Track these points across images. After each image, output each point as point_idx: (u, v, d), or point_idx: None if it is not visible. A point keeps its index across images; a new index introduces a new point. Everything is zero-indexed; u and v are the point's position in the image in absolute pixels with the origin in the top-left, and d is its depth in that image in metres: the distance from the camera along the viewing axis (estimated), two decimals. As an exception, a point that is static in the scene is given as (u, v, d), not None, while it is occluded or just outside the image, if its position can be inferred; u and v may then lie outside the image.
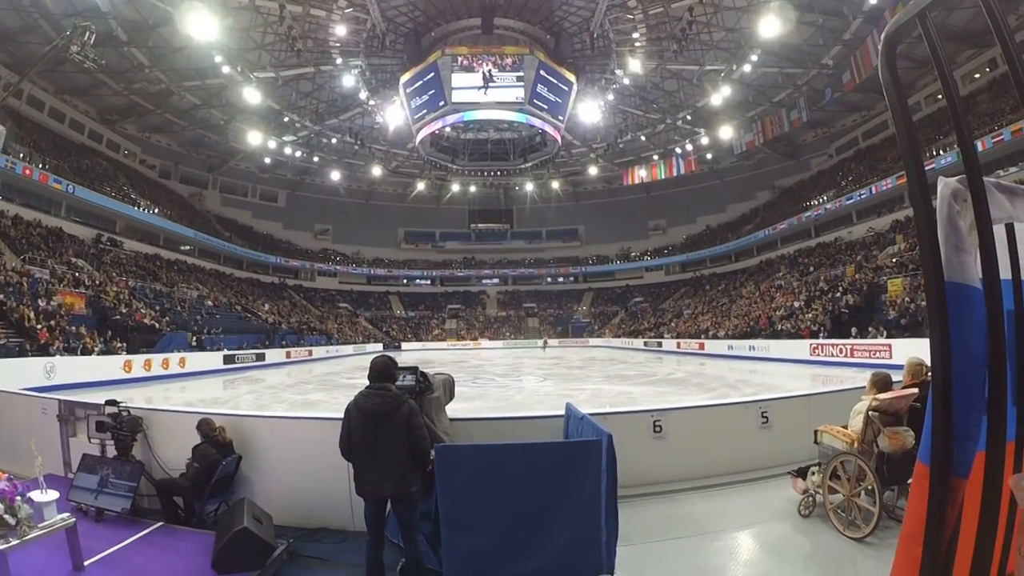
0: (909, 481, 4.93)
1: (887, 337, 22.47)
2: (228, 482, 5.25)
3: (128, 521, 4.79)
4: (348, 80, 35.02)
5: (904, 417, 4.94)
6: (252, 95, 33.24)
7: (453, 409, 5.29)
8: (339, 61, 33.94)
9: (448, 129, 38.95)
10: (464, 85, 33.46)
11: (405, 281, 66.06)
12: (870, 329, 24.15)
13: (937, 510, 1.47)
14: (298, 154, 45.70)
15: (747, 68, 32.91)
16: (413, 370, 4.74)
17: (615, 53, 34.40)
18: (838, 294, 30.55)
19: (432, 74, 33.20)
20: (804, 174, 51.76)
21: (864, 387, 5.51)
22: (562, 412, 5.56)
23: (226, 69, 30.84)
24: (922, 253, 1.54)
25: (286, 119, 40.11)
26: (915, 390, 5.06)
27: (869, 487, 4.62)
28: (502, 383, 21.71)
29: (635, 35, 32.90)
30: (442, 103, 34.05)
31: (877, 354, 21.30)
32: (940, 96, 37.24)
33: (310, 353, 38.55)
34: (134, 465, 5.15)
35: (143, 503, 5.16)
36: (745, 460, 6.48)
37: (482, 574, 3.53)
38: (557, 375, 24.50)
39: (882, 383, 5.23)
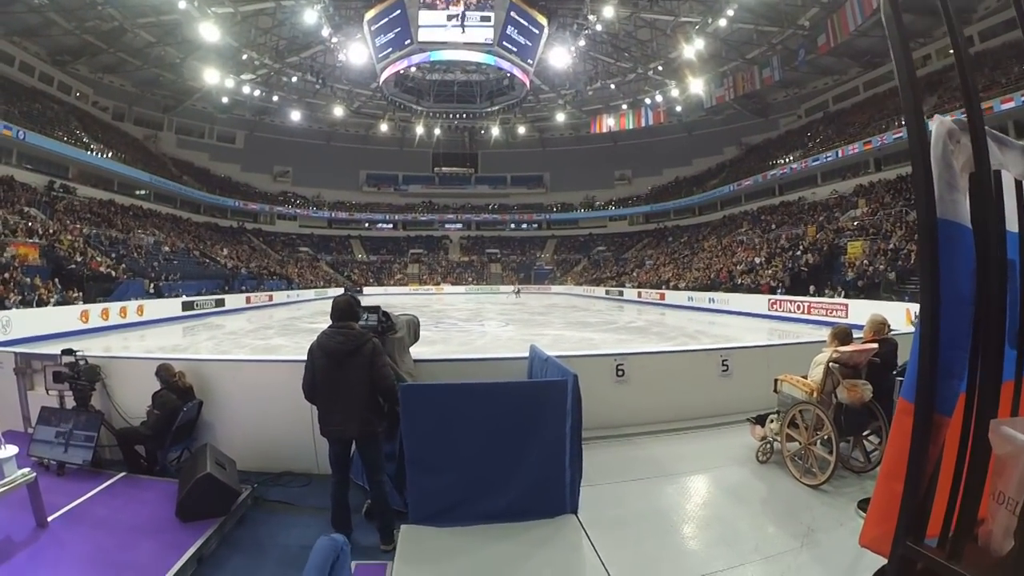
0: (865, 433, 5.14)
1: (845, 297, 23.03)
2: (190, 429, 5.15)
3: (90, 473, 4.68)
4: (310, 16, 33.27)
5: (863, 371, 5.07)
6: (209, 31, 31.64)
7: (416, 352, 5.23)
8: (300, -4, 32.43)
9: (413, 69, 38.00)
10: (431, 23, 32.35)
11: (367, 225, 64.86)
12: (827, 290, 24.75)
13: (919, 446, 1.46)
14: (257, 93, 43.99)
15: (723, 22, 32.52)
16: (375, 309, 4.69)
17: (589, -2, 33.64)
18: (798, 252, 31.24)
19: (398, 11, 31.97)
20: (772, 133, 52.05)
21: (824, 341, 5.61)
22: (526, 354, 5.57)
23: (182, 4, 29.26)
24: (915, 187, 1.52)
25: (245, 57, 38.26)
26: (875, 345, 5.20)
27: (826, 436, 4.72)
28: (465, 328, 21.81)
29: (611, -23, 32.08)
30: (408, 42, 32.96)
31: (834, 312, 21.85)
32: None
33: (271, 298, 38.07)
34: (93, 415, 5.00)
35: (104, 454, 5.04)
36: (705, 406, 6.63)
37: (447, 513, 3.51)
38: (519, 321, 24.70)
39: (843, 336, 5.34)
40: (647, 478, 4.90)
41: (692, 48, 34.35)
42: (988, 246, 1.48)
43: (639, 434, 6.03)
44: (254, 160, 57.56)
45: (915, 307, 16.64)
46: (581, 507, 3.75)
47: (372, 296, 47.76)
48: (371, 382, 3.82)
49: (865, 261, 25.85)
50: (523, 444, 3.57)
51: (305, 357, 3.97)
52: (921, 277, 1.49)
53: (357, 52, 37.16)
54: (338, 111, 48.94)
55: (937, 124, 1.58)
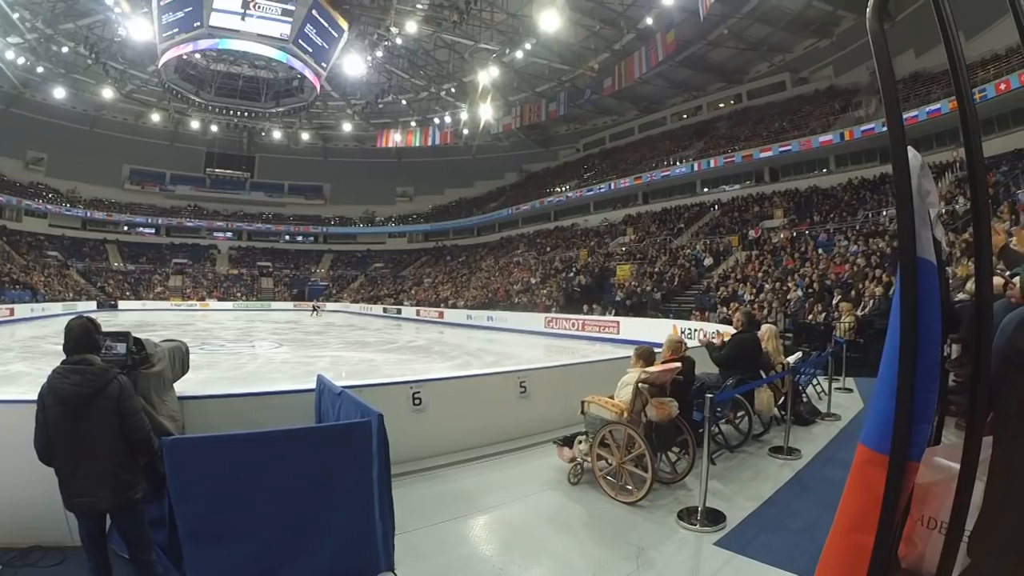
0: (675, 449, 5.31)
1: (615, 315, 24.75)
2: None
3: None
4: None
5: (668, 388, 5.25)
6: None
7: (180, 385, 4.29)
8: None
9: (198, 55, 34.52)
10: (225, 8, 29.35)
11: (126, 228, 57.05)
12: (595, 306, 26.53)
13: (894, 496, 1.37)
14: (21, 61, 37.05)
15: (519, 55, 33.95)
16: (124, 336, 3.60)
17: (395, 10, 33.14)
18: (572, 274, 33.44)
19: (194, -12, 28.78)
20: (551, 162, 55.83)
21: (623, 359, 5.78)
22: (312, 385, 4.96)
23: None
24: (899, 225, 1.41)
25: (16, 16, 32.13)
26: (679, 364, 5.42)
27: (639, 454, 4.78)
28: (233, 349, 19.86)
29: (420, -4, 32.08)
30: (197, 24, 29.59)
31: (606, 329, 23.40)
32: (686, 115, 42.80)
33: (12, 312, 31.65)
34: None
35: None
36: (507, 430, 6.54)
37: (241, 592, 2.80)
38: (294, 341, 23.22)
39: (647, 356, 5.48)
40: (463, 516, 4.55)
41: (487, 75, 35.28)
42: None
43: (444, 466, 5.71)
44: (6, 142, 47.41)
45: (681, 323, 18.52)
46: (398, 562, 3.32)
47: (129, 312, 42.43)
48: (121, 434, 2.94)
49: (633, 282, 28.28)
50: (324, 500, 2.97)
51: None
52: (903, 320, 1.39)
53: (140, 28, 32.61)
54: (108, 93, 42.41)
55: (912, 156, 1.45)
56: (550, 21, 28.70)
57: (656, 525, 4.30)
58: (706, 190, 36.67)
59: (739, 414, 6.74)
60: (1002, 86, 21.04)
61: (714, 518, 4.34)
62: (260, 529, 2.86)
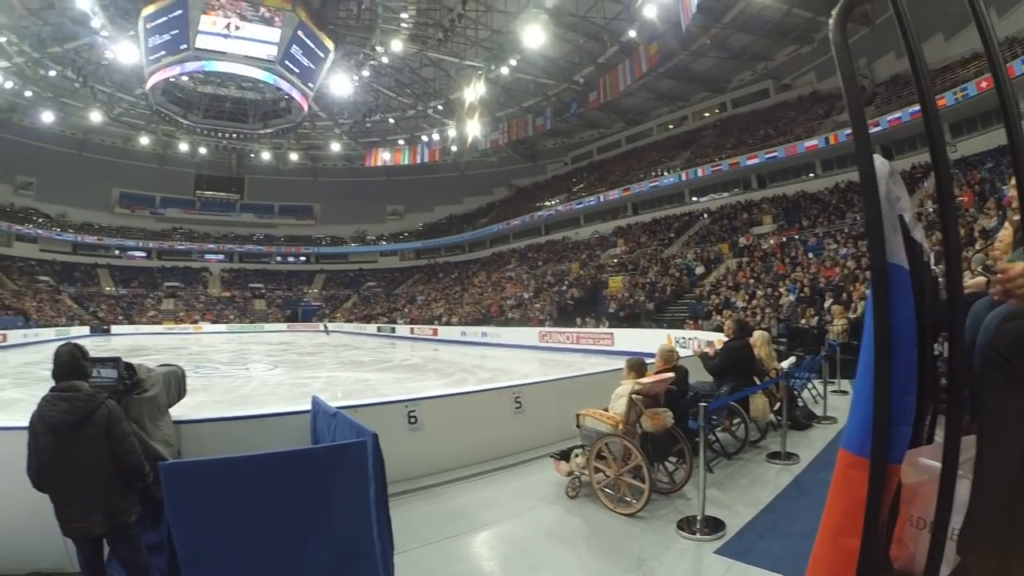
0: (672, 459, 5.32)
1: (609, 327, 24.77)
2: None
3: None
4: (83, 2, 28.71)
5: (662, 398, 5.28)
6: None
7: (176, 409, 4.29)
8: (78, -24, 27.91)
9: (185, 78, 34.51)
10: (211, 30, 29.55)
11: (117, 252, 56.67)
12: (589, 319, 26.56)
13: (876, 499, 1.39)
14: (9, 85, 36.91)
15: (504, 71, 34.13)
16: (114, 362, 3.61)
17: (380, 29, 33.39)
18: (564, 287, 33.42)
19: (179, 11, 28.63)
20: (540, 177, 56.07)
21: (614, 371, 5.79)
22: (307, 407, 4.95)
23: None
24: (868, 232, 1.45)
25: (3, 39, 32.20)
26: (672, 375, 5.47)
27: (636, 465, 4.79)
28: (228, 372, 19.73)
29: (404, 15, 32.22)
30: (184, 46, 29.73)
31: (601, 341, 23.40)
32: (672, 126, 42.95)
33: (4, 338, 31.45)
34: None
35: None
36: (503, 446, 6.53)
37: (239, 616, 2.79)
38: (288, 362, 23.09)
39: (639, 367, 5.51)
40: (462, 534, 4.54)
41: (473, 91, 35.46)
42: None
43: (441, 484, 5.68)
44: None
45: (676, 332, 18.54)
46: None
47: (121, 336, 42.09)
48: (111, 460, 2.97)
49: (625, 293, 28.32)
50: (321, 521, 2.95)
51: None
52: (876, 325, 1.42)
53: (127, 51, 32.70)
54: (96, 117, 42.21)
55: (879, 164, 1.48)
56: (534, 37, 28.93)
57: (656, 535, 4.31)
58: (695, 199, 36.81)
59: (735, 421, 6.77)
60: (983, 84, 21.04)
61: (714, 526, 4.35)
62: (259, 551, 2.85)
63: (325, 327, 50.34)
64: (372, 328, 46.04)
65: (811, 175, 30.48)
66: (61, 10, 31.38)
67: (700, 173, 34.28)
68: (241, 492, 2.84)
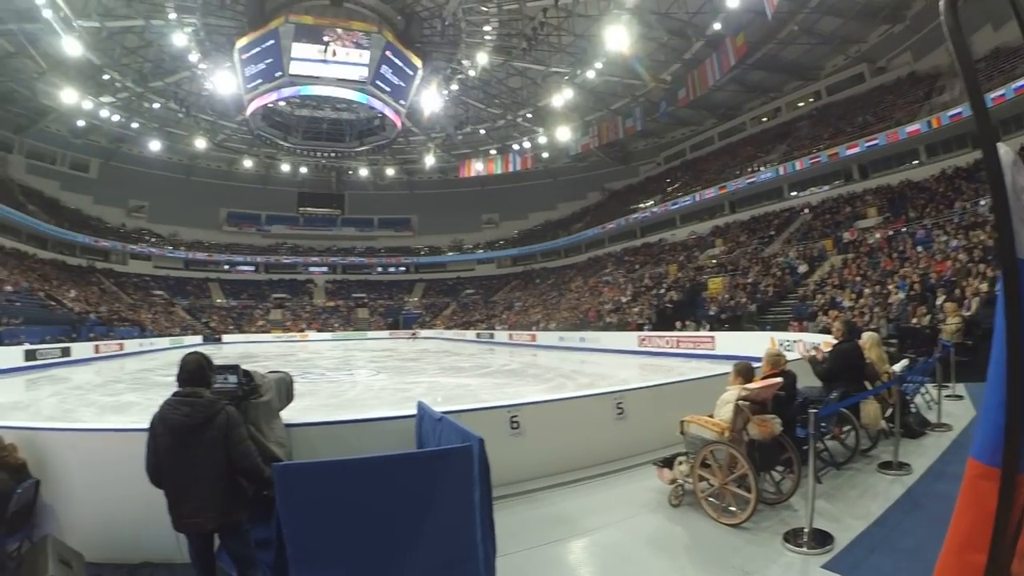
0: (779, 468, 5.12)
1: (710, 330, 24.09)
2: (27, 513, 4.13)
3: None
4: (179, 39, 31.12)
5: (769, 405, 5.06)
6: (72, 46, 28.68)
7: (285, 411, 4.53)
8: (172, 17, 30.21)
9: (282, 103, 36.45)
10: (304, 57, 31.30)
11: (227, 267, 60.68)
12: (688, 322, 25.92)
13: (1005, 512, 1.31)
14: (116, 118, 40.39)
15: (590, 74, 33.93)
16: (234, 369, 3.88)
17: (464, 44, 34.13)
18: (662, 290, 32.73)
19: (272, 41, 30.69)
20: (633, 179, 55.26)
21: (721, 374, 5.64)
22: (412, 412, 5.07)
23: (47, 13, 26.30)
24: (998, 225, 1.34)
25: (107, 77, 35.22)
26: (780, 380, 5.24)
27: (742, 474, 4.63)
28: (333, 378, 20.61)
29: (487, 28, 32.74)
30: (279, 74, 31.65)
31: (702, 345, 22.80)
32: (766, 119, 41.49)
33: (121, 347, 34.04)
34: None
35: None
36: (604, 452, 6.44)
37: (344, 613, 2.90)
38: (391, 368, 23.84)
39: (747, 372, 5.36)
40: (562, 539, 4.54)
41: (561, 98, 35.60)
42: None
43: (541, 489, 5.68)
44: (108, 192, 52.27)
45: (779, 335, 17.83)
46: None
47: (232, 345, 44.94)
48: (227, 463, 3.15)
49: (726, 295, 27.47)
50: (426, 523, 3.02)
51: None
52: (1009, 327, 1.31)
53: (225, 81, 35.28)
54: (200, 143, 45.81)
55: (1003, 153, 1.38)
56: (617, 38, 28.59)
57: (760, 548, 4.16)
58: (794, 194, 35.20)
59: (845, 429, 6.41)
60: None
61: (821, 539, 4.14)
62: (364, 551, 2.95)
63: (414, 334, 52.27)
64: (471, 334, 46.88)
65: (915, 162, 28.46)
66: (159, 47, 33.99)
67: (798, 166, 32.77)
68: (350, 493, 2.94)
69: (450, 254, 65.34)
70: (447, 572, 3.06)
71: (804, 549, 4.06)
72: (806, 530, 4.18)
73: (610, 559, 4.21)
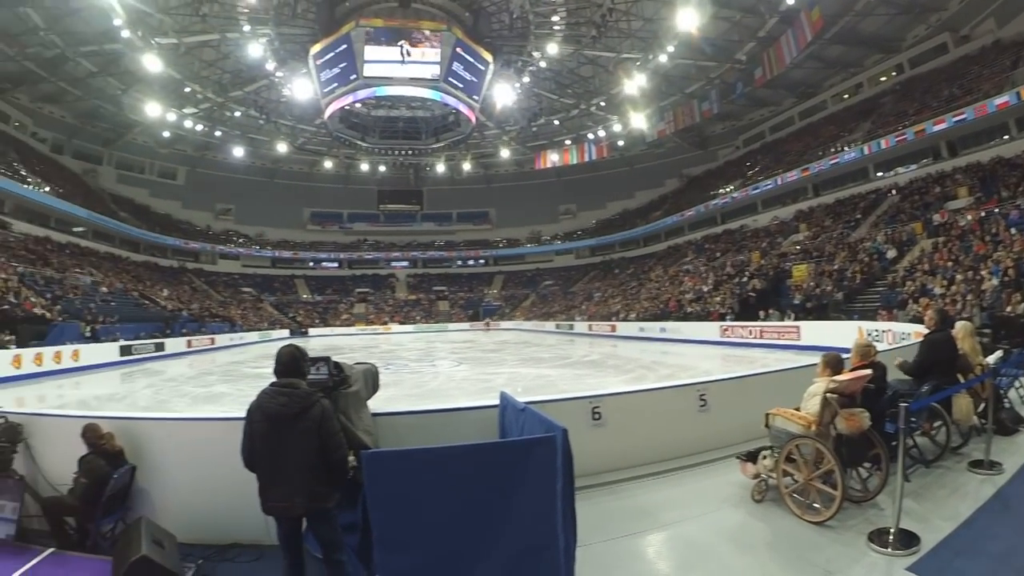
0: (866, 464, 4.98)
1: (795, 320, 23.30)
2: (123, 497, 4.52)
3: (15, 549, 4.07)
4: (255, 49, 32.73)
5: (858, 398, 4.90)
6: (152, 63, 30.65)
7: (371, 400, 4.73)
8: (246, 29, 31.73)
9: (358, 105, 37.52)
10: (377, 59, 32.16)
11: (311, 264, 63.53)
12: (772, 311, 25.15)
13: None
14: (199, 128, 43.10)
15: (663, 59, 33.20)
16: (325, 361, 4.13)
17: (533, 36, 34.17)
18: (744, 278, 31.78)
19: (344, 46, 31.72)
20: (712, 164, 53.95)
21: (807, 366, 5.49)
22: (495, 402, 5.15)
23: (125, 33, 28.25)
24: None
25: (187, 90, 37.54)
26: (869, 372, 5.05)
27: (828, 470, 4.51)
28: (416, 368, 21.24)
29: (554, 18, 32.75)
30: (353, 77, 32.65)
31: (786, 335, 22.03)
32: (847, 95, 39.61)
33: (212, 341, 36.05)
34: (16, 482, 4.38)
35: (31, 525, 4.39)
36: (686, 445, 6.36)
37: (424, 598, 3.03)
38: (472, 359, 24.27)
39: (835, 363, 5.18)
40: (642, 532, 4.56)
41: (633, 84, 35.09)
42: None
43: (621, 480, 5.68)
44: (195, 197, 56.04)
45: (868, 324, 17.11)
46: (578, 574, 3.35)
47: (318, 338, 46.83)
48: (319, 452, 3.33)
49: (811, 283, 26.47)
50: (508, 512, 3.10)
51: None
52: None
53: (302, 87, 36.75)
54: (282, 147, 48.21)
55: None
56: (688, 19, 27.92)
57: (845, 547, 4.03)
58: (880, 174, 33.38)
59: (935, 424, 6.10)
60: None
61: (907, 540, 3.98)
62: (447, 538, 3.06)
63: (487, 323, 54.39)
64: (550, 325, 47.09)
65: (1006, 137, 26.40)
66: (236, 58, 35.66)
67: (883, 145, 30.84)
68: (436, 480, 3.06)
69: (528, 246, 65.87)
70: (527, 559, 3.11)
71: (889, 550, 3.92)
72: (892, 530, 4.03)
73: (690, 554, 4.20)
